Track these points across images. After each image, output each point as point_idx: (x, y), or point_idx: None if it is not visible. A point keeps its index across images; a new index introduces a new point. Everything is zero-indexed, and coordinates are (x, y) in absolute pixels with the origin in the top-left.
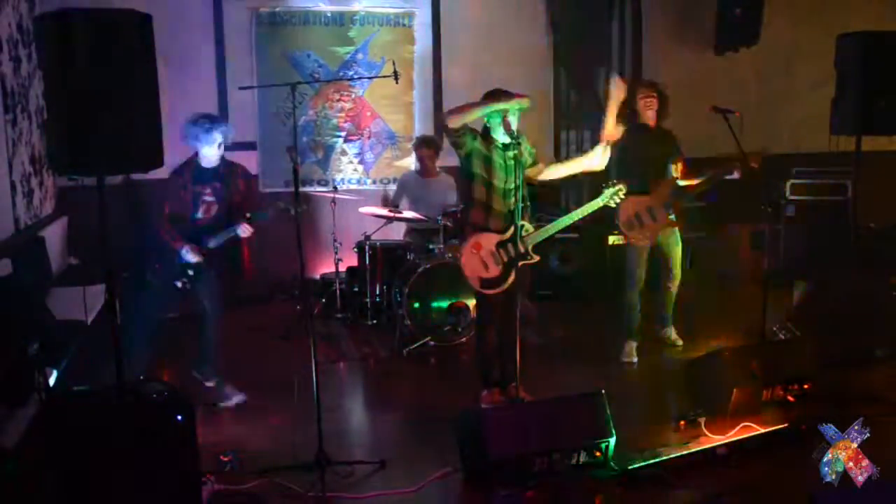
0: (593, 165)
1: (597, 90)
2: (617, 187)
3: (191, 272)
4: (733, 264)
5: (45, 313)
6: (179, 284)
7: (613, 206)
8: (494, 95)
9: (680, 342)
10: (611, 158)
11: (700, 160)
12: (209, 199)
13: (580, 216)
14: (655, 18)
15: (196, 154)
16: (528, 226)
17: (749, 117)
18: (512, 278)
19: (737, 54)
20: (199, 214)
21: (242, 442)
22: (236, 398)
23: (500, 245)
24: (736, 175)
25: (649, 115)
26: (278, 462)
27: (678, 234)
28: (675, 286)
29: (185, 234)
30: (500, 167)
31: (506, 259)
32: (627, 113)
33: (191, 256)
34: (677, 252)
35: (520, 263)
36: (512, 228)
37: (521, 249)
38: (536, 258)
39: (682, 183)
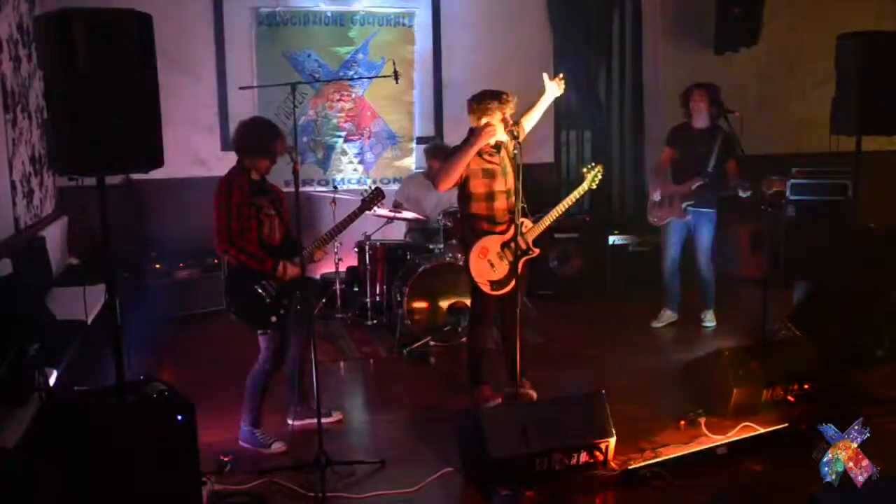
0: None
1: (597, 90)
2: (596, 169)
3: (286, 300)
4: (733, 264)
5: (45, 313)
6: (275, 319)
7: (595, 187)
8: (486, 98)
9: (710, 324)
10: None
11: None
12: (271, 212)
13: (570, 202)
14: (655, 18)
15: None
16: (527, 222)
17: (749, 117)
18: (518, 273)
19: (737, 54)
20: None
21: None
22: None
23: (504, 245)
24: (747, 193)
25: (694, 118)
26: (278, 462)
27: (685, 224)
28: (702, 275)
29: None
30: (498, 172)
31: (511, 258)
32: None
33: (293, 273)
34: (699, 246)
35: (523, 259)
36: (513, 227)
37: (523, 246)
38: (537, 251)
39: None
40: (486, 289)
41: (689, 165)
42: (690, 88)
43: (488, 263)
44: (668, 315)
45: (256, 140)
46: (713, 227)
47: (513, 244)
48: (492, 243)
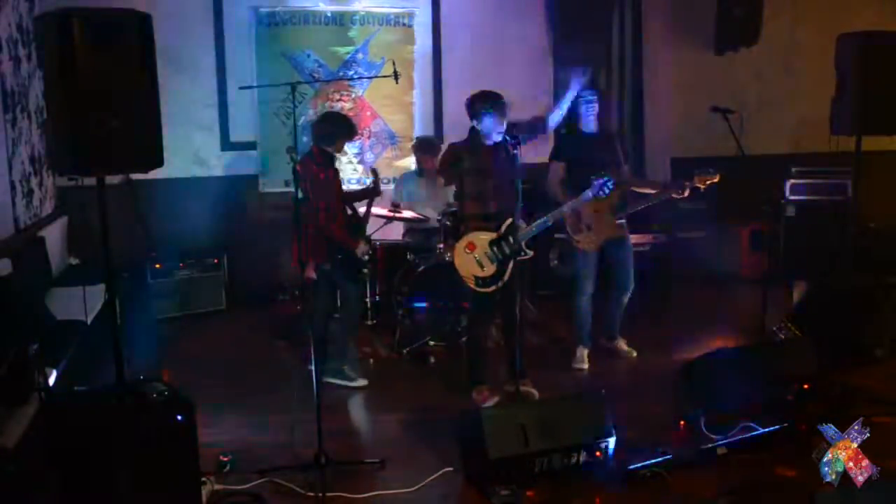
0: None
1: (597, 90)
2: (605, 178)
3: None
4: (733, 264)
5: (45, 313)
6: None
7: (603, 197)
8: (484, 99)
9: (634, 353)
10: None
11: (697, 160)
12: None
13: (569, 210)
14: (655, 18)
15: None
16: (521, 222)
17: (749, 117)
18: (508, 275)
19: (737, 54)
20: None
21: (242, 442)
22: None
23: (493, 243)
24: (685, 193)
25: (591, 121)
26: (278, 462)
27: (628, 242)
28: (625, 297)
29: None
30: (492, 169)
31: (500, 257)
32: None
33: (366, 255)
34: (626, 261)
35: (513, 260)
36: (504, 226)
37: (515, 246)
38: (531, 254)
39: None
40: (471, 283)
41: (595, 174)
42: (581, 92)
43: (474, 259)
44: (586, 353)
45: (344, 124)
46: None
47: (503, 243)
48: (480, 240)
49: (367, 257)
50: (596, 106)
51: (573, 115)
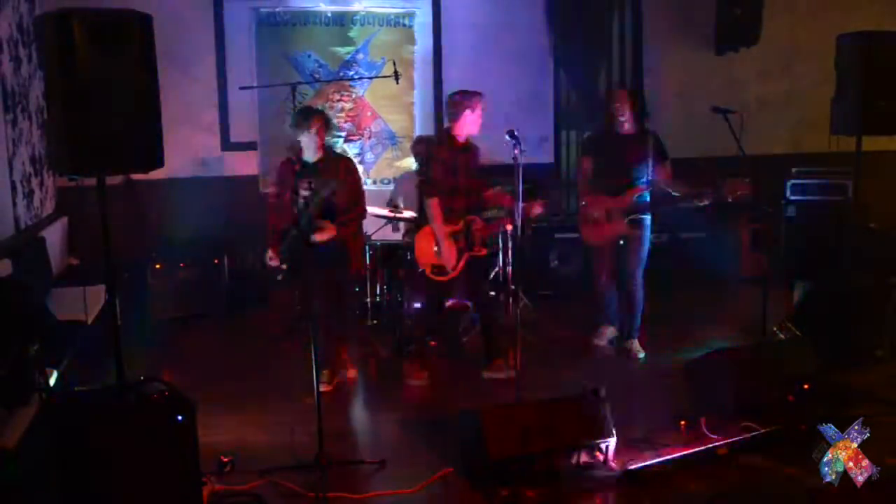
0: None
1: (597, 90)
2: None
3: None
4: (733, 264)
5: (45, 313)
6: (280, 277)
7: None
8: (466, 96)
9: (641, 354)
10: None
11: (698, 160)
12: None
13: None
14: (655, 18)
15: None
16: (479, 220)
17: (749, 117)
18: (460, 267)
19: (737, 54)
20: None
21: (242, 442)
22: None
23: (452, 235)
24: (706, 201)
25: (619, 122)
26: (278, 462)
27: (636, 244)
28: (632, 294)
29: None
30: (462, 168)
31: (456, 249)
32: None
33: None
34: (633, 262)
35: (467, 254)
36: (462, 221)
37: (471, 240)
38: (483, 251)
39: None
40: (427, 271)
41: (619, 175)
42: (610, 90)
43: (434, 247)
44: (611, 331)
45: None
46: (649, 235)
47: (460, 237)
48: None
49: (275, 266)
50: (626, 106)
51: (607, 115)
